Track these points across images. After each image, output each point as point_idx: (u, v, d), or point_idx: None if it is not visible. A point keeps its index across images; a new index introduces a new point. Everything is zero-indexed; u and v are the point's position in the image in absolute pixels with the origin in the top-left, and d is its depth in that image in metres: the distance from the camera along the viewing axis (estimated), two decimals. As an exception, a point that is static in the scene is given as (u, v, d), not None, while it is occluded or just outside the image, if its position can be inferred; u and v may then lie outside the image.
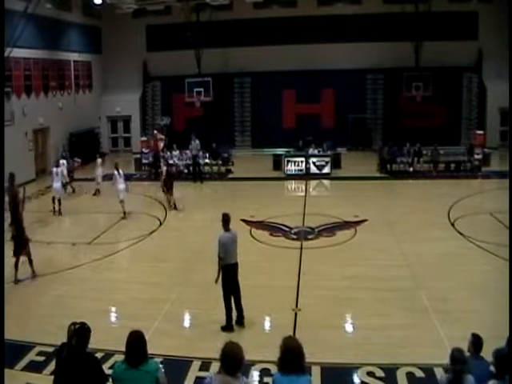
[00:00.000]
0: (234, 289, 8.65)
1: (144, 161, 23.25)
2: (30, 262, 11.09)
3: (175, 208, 16.71)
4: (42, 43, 22.58)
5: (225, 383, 4.35)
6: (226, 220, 8.53)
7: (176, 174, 17.45)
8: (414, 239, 13.08)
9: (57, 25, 23.83)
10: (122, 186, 16.07)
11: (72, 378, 4.83)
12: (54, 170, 17.10)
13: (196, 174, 21.31)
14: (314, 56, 26.08)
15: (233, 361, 4.36)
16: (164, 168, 18.00)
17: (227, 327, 8.56)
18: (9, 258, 10.62)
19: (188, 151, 22.54)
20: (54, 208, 16.47)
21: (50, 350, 7.56)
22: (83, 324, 5.05)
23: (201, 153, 22.15)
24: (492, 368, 4.98)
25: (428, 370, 7.13)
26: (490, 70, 25.45)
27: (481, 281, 10.35)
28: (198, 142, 21.72)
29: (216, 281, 8.55)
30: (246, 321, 8.76)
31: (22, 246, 10.93)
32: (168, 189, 16.90)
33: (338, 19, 26.41)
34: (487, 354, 5.23)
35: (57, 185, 16.60)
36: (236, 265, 8.61)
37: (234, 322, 8.67)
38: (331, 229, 14.24)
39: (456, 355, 4.75)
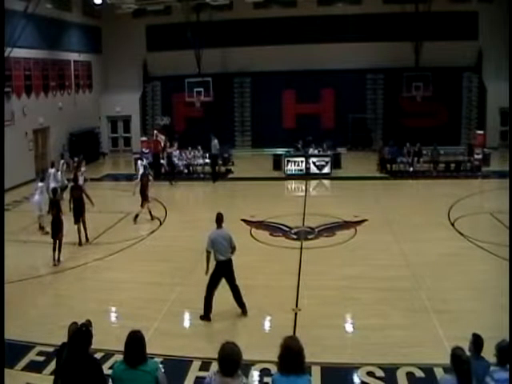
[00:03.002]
0: (231, 286, 8.91)
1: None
2: (60, 248, 12.00)
3: (136, 218, 15.44)
4: (42, 43, 22.57)
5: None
6: (217, 218, 8.99)
7: (150, 180, 16.41)
8: (414, 239, 13.07)
9: (57, 25, 23.83)
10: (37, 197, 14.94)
11: (72, 379, 4.82)
12: (50, 170, 17.01)
13: (214, 174, 21.30)
14: (314, 56, 26.08)
15: (230, 361, 4.34)
16: (140, 173, 16.93)
17: (205, 317, 8.89)
18: (13, 257, 10.65)
19: (187, 151, 22.70)
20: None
21: (50, 350, 7.57)
22: (85, 325, 5.05)
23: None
24: (493, 367, 5.02)
25: (428, 370, 7.13)
26: (490, 70, 25.46)
27: (481, 281, 10.34)
28: (216, 141, 21.80)
29: (206, 272, 8.86)
30: (246, 320, 8.84)
31: (58, 226, 12.01)
32: (144, 198, 15.59)
33: (338, 19, 26.41)
34: (487, 353, 5.25)
35: (52, 185, 16.37)
36: (226, 262, 8.81)
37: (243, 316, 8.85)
38: (331, 229, 14.24)
39: (459, 353, 4.76)
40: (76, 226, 13.29)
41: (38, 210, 14.62)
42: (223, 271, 8.82)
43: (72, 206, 13.75)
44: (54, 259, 11.93)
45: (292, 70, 26.59)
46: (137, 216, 15.43)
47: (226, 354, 4.36)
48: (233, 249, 8.91)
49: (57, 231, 12.02)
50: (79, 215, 13.40)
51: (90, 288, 10.67)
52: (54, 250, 11.94)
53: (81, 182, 17.02)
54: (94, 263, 12.04)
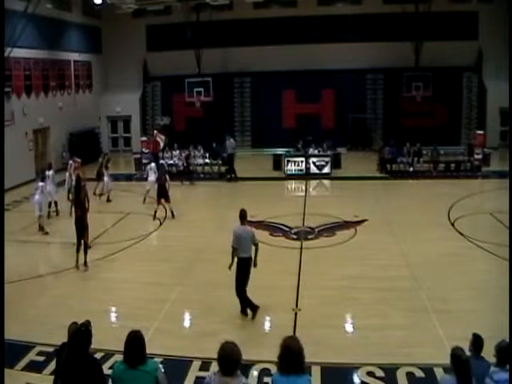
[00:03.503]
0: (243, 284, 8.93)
1: (144, 161, 23.25)
2: (85, 251, 11.60)
3: (172, 216, 15.67)
4: (42, 43, 22.57)
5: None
6: (241, 215, 9.06)
7: (167, 181, 16.27)
8: (414, 239, 13.08)
9: (57, 25, 23.83)
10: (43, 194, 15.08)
11: (72, 379, 4.82)
12: (47, 173, 16.88)
13: (230, 173, 21.30)
14: (314, 56, 26.07)
15: (229, 361, 4.33)
16: (152, 177, 17.23)
17: (253, 313, 8.87)
18: (13, 257, 10.66)
19: (186, 151, 22.73)
20: (49, 213, 15.95)
21: (50, 350, 7.57)
22: (85, 324, 5.05)
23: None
24: (492, 368, 5.02)
25: (428, 370, 7.13)
26: (490, 70, 25.46)
27: (481, 281, 10.35)
28: (232, 140, 22.06)
29: (229, 267, 8.88)
30: (247, 320, 8.84)
31: (84, 229, 11.56)
32: (162, 198, 15.71)
33: (338, 19, 26.40)
34: (487, 353, 5.25)
35: (50, 187, 16.05)
36: (248, 259, 8.86)
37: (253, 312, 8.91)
38: (331, 229, 14.24)
39: (459, 354, 4.75)
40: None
41: (37, 210, 14.61)
42: (244, 268, 8.85)
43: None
44: (76, 261, 11.56)
45: (292, 69, 26.58)
46: (172, 212, 15.68)
47: (225, 353, 4.35)
48: (256, 245, 8.94)
49: (82, 232, 11.54)
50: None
51: (90, 288, 10.69)
52: (78, 251, 11.57)
53: (106, 179, 18.23)
54: (94, 263, 12.00)
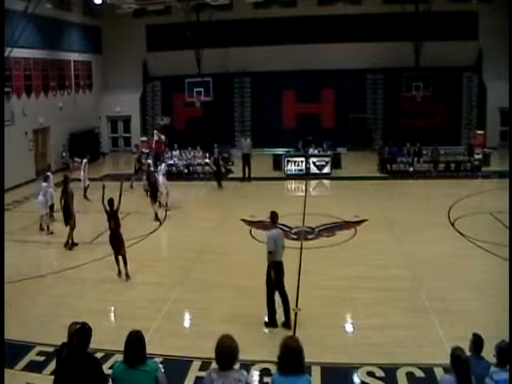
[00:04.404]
0: (280, 290, 8.70)
1: (144, 161, 23.22)
2: (125, 262, 11.10)
3: (167, 209, 15.73)
4: (42, 43, 22.60)
5: (223, 377, 4.38)
6: (274, 217, 8.81)
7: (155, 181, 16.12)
8: (414, 239, 13.08)
9: (57, 25, 23.87)
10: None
11: (72, 378, 4.82)
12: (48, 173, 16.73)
13: (245, 173, 21.10)
14: (314, 56, 26.10)
15: (226, 357, 4.39)
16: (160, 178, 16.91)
17: (270, 323, 8.65)
18: (13, 257, 10.66)
19: (188, 151, 22.67)
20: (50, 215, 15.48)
21: (50, 350, 7.57)
22: (84, 324, 5.05)
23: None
24: (492, 368, 5.02)
25: (428, 370, 7.13)
26: (490, 70, 25.46)
27: (481, 281, 10.35)
28: (249, 140, 21.91)
29: (273, 277, 8.54)
30: (246, 320, 8.80)
31: (119, 242, 11.12)
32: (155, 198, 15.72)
33: (338, 19, 26.41)
34: (487, 353, 5.25)
35: (50, 190, 15.62)
36: (281, 263, 8.68)
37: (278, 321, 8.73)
38: (331, 229, 14.24)
39: (458, 353, 4.75)
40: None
41: (43, 209, 14.58)
42: (279, 272, 8.63)
43: (62, 207, 13.41)
44: (119, 272, 11.15)
45: (292, 69, 26.60)
46: (166, 211, 15.77)
47: (221, 350, 4.40)
48: (283, 247, 8.80)
49: (118, 247, 11.09)
50: (68, 218, 13.08)
51: (90, 288, 10.69)
52: (117, 262, 11.15)
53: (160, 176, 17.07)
54: (94, 263, 12.02)
